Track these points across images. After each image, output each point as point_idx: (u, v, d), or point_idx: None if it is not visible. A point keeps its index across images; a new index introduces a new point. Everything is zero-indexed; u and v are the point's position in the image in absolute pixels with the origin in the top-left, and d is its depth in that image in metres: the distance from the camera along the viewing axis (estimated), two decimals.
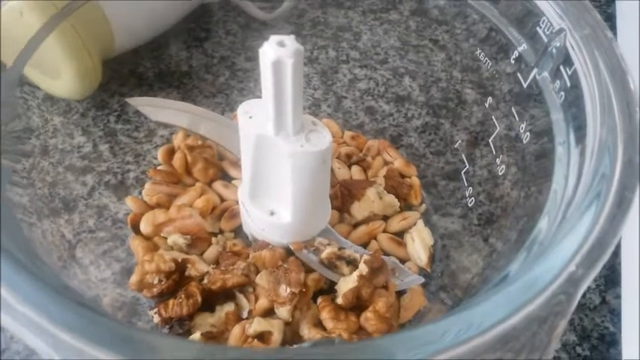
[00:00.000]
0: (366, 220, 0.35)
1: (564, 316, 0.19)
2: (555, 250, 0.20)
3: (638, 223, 0.35)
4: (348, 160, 0.39)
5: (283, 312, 0.30)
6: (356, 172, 0.38)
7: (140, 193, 0.37)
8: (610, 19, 0.53)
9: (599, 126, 0.22)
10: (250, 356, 0.17)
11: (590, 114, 0.24)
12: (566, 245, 0.20)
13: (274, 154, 0.28)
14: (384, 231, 0.36)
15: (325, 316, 0.29)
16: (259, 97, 0.44)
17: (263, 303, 0.30)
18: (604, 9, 0.55)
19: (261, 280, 0.31)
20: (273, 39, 0.23)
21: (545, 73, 0.28)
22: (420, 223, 0.36)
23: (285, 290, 0.29)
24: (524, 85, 0.29)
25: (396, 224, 0.36)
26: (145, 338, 0.17)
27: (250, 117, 0.28)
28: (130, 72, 0.43)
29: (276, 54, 0.23)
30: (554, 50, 0.27)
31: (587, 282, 0.19)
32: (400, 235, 0.36)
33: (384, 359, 0.17)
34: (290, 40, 0.23)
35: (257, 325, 0.29)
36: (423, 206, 0.38)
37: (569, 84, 0.26)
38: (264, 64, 0.24)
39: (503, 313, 0.18)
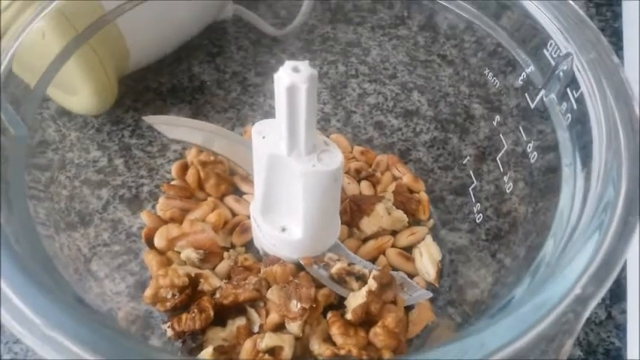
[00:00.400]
0: (375, 235, 0.36)
1: (571, 335, 0.19)
2: (562, 272, 0.20)
3: None
4: (358, 176, 0.40)
5: (294, 327, 0.30)
6: (365, 188, 0.39)
7: (154, 207, 0.38)
8: (616, 34, 0.54)
9: (605, 150, 0.23)
10: None
11: (596, 137, 0.24)
12: (573, 267, 0.20)
13: (287, 173, 0.28)
14: (393, 246, 0.36)
15: (335, 331, 0.30)
16: (269, 111, 0.45)
17: (274, 318, 0.31)
18: (610, 23, 0.55)
19: (272, 295, 0.31)
20: (288, 64, 0.24)
21: (553, 95, 0.28)
22: (429, 238, 0.36)
23: (295, 305, 0.30)
24: (532, 106, 0.30)
25: (404, 239, 0.36)
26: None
27: (264, 137, 0.28)
28: (144, 87, 0.44)
29: (291, 79, 0.24)
30: (561, 73, 0.27)
31: (594, 303, 0.19)
32: (408, 250, 0.36)
33: None
34: (304, 66, 0.24)
35: (269, 339, 0.29)
36: (431, 221, 0.38)
37: (575, 106, 0.26)
38: (279, 89, 0.24)
39: (512, 335, 0.19)
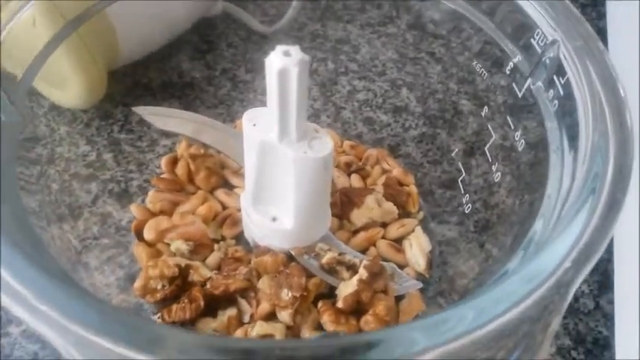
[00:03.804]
0: (365, 227, 0.36)
1: (558, 312, 0.19)
2: (550, 247, 0.20)
3: (633, 229, 0.36)
4: (348, 169, 0.40)
5: (285, 316, 0.30)
6: (355, 181, 0.39)
7: (143, 201, 0.38)
8: (601, 33, 0.54)
9: (592, 131, 0.23)
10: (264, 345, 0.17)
11: (582, 120, 0.25)
12: (561, 242, 0.20)
13: (277, 161, 0.29)
14: (383, 237, 0.36)
15: (326, 319, 0.30)
16: (260, 107, 0.45)
17: (265, 307, 0.31)
18: (595, 22, 0.56)
19: (263, 284, 0.31)
20: (279, 49, 0.24)
21: (540, 83, 0.29)
22: (419, 229, 0.36)
23: (286, 294, 0.30)
24: (519, 95, 0.30)
25: (394, 231, 0.37)
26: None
27: (254, 124, 0.28)
28: (134, 83, 0.44)
29: (282, 63, 0.24)
30: (547, 61, 0.28)
31: (580, 278, 0.19)
32: (399, 241, 0.37)
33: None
34: (295, 50, 0.24)
35: (259, 328, 0.29)
36: (421, 213, 0.38)
37: (562, 93, 0.27)
38: (270, 74, 0.25)
39: (498, 310, 0.19)
